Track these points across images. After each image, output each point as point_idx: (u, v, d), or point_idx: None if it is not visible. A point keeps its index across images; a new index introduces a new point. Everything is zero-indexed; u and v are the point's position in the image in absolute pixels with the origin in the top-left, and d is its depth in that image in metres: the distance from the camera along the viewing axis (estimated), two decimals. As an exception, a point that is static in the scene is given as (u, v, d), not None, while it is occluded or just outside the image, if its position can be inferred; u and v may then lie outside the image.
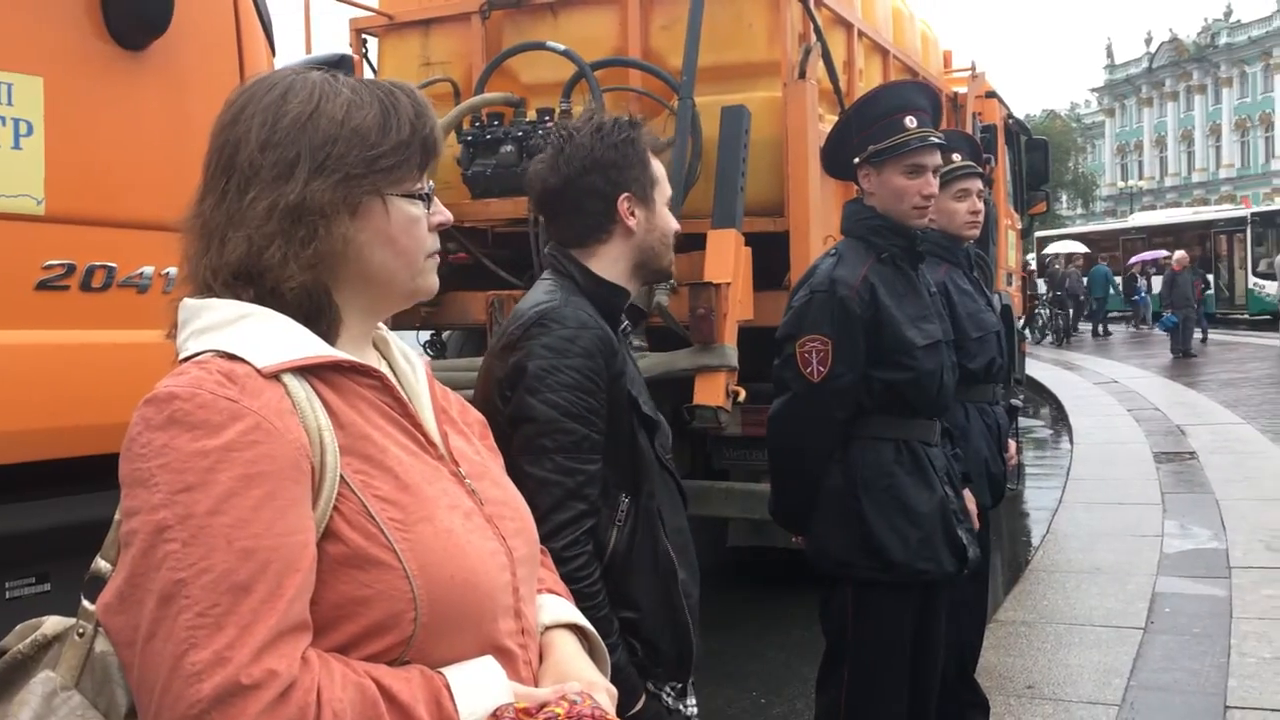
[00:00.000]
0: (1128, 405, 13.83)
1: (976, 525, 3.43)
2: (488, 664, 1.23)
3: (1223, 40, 63.90)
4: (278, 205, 1.22)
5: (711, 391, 4.89)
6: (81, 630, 1.18)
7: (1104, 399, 14.73)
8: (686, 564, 2.08)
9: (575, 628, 1.44)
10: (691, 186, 5.22)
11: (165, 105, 2.60)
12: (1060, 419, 13.97)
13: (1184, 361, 19.45)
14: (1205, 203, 53.90)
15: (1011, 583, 6.48)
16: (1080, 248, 33.15)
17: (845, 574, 3.00)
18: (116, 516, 1.18)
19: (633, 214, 2.09)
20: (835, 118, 5.61)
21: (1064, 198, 60.08)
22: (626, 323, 2.15)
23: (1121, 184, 68.77)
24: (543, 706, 1.20)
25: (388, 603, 1.16)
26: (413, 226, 1.30)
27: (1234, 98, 63.79)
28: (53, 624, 1.22)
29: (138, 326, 2.52)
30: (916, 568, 2.95)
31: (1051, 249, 33.40)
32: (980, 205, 3.94)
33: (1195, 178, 65.88)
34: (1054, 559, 6.91)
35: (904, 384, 2.97)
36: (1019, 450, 7.43)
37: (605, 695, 1.32)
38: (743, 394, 5.02)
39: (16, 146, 2.34)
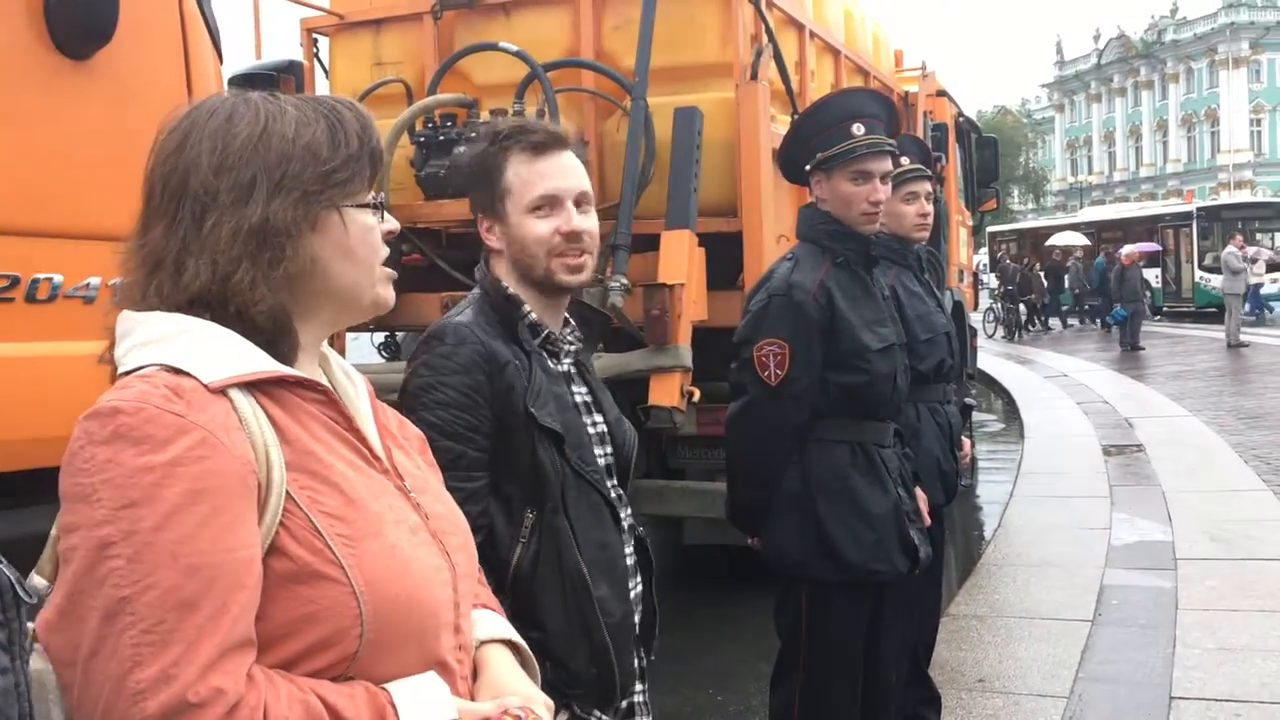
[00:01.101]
0: (1077, 399, 14.04)
1: (928, 523, 3.49)
2: (431, 680, 1.24)
3: (1169, 37, 64.94)
4: (241, 228, 1.21)
5: (666, 392, 4.91)
6: None
7: (1054, 393, 14.94)
8: (609, 580, 2.00)
9: (508, 643, 1.45)
10: (645, 188, 5.24)
11: (110, 115, 2.58)
12: (1011, 413, 14.16)
13: (1132, 355, 19.77)
14: (1153, 197, 54.75)
15: (964, 577, 6.57)
16: (1081, 239, 32.74)
17: (801, 575, 3.05)
18: (53, 532, 1.17)
19: (491, 232, 2.08)
20: (788, 118, 5.67)
21: (1015, 192, 60.79)
22: (549, 330, 2.09)
23: (1071, 179, 69.76)
24: None
25: (334, 619, 1.16)
26: (368, 235, 1.31)
27: (1180, 94, 64.86)
28: None
29: (86, 338, 2.50)
30: (871, 568, 2.99)
31: (1054, 239, 32.97)
32: (929, 208, 3.99)
33: (1143, 173, 66.94)
34: (1005, 553, 7.01)
35: (859, 387, 3.01)
36: (973, 447, 7.54)
37: (543, 708, 1.33)
38: (697, 394, 5.04)
39: (-42, 157, 2.31)
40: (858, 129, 3.01)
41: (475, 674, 1.37)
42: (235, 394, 1.18)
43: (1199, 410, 12.26)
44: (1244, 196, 46.22)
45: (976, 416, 13.48)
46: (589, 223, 2.07)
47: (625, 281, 4.94)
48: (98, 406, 1.12)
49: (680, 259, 5.01)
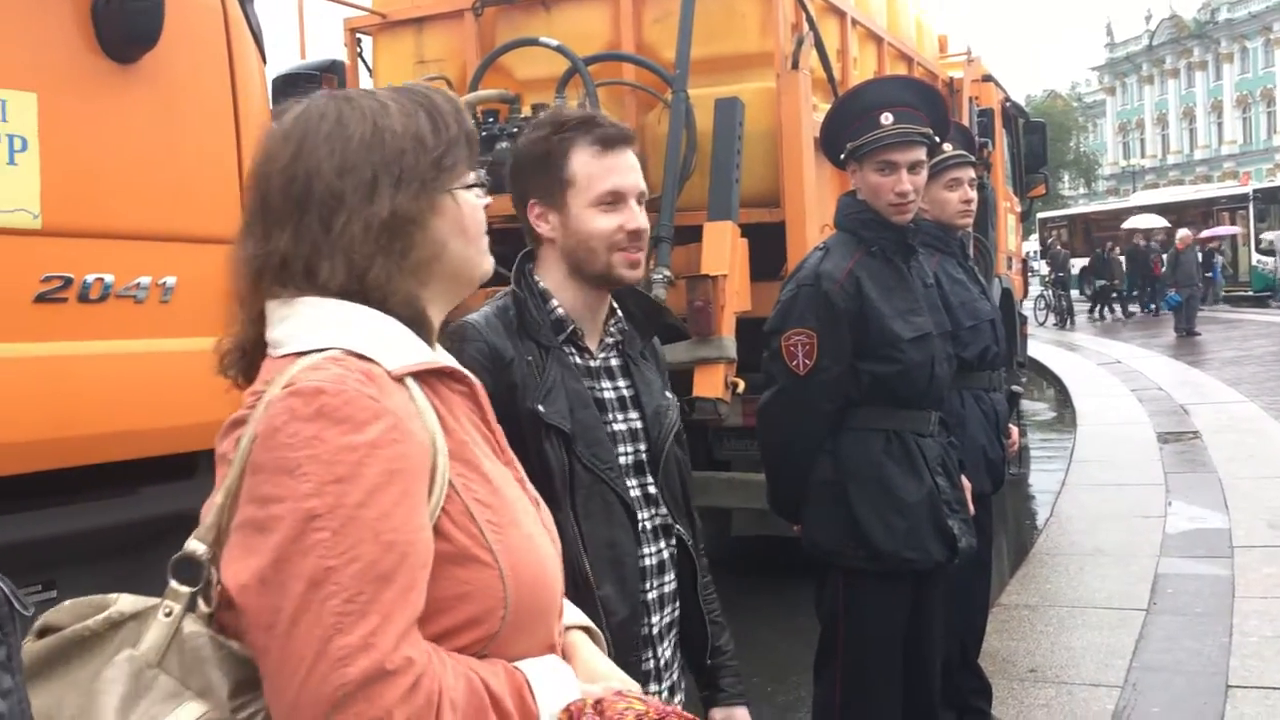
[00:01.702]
0: (1131, 386, 13.84)
1: (971, 512, 3.46)
2: (556, 662, 1.31)
3: (1223, 16, 63.60)
4: (372, 225, 1.26)
5: (711, 383, 4.91)
6: (169, 610, 1.19)
7: (1108, 380, 14.74)
8: (615, 579, 1.98)
9: (585, 629, 1.49)
10: (687, 179, 5.23)
11: (158, 117, 2.63)
12: (1064, 401, 13.98)
13: (1188, 340, 19.44)
14: (1208, 180, 53.74)
15: (1015, 566, 6.50)
16: (1161, 221, 30.96)
17: (835, 563, 3.05)
18: (217, 500, 1.20)
19: (545, 220, 2.05)
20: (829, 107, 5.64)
21: (1066, 177, 59.89)
22: (573, 328, 2.05)
23: (1124, 163, 68.56)
24: (600, 702, 1.25)
25: (483, 600, 1.22)
26: (477, 213, 1.37)
27: (1235, 73, 63.51)
28: (128, 602, 1.23)
29: (136, 336, 2.55)
30: (903, 557, 2.98)
31: (1131, 223, 31.33)
32: (972, 194, 3.95)
33: (1198, 155, 65.66)
34: (1057, 542, 6.93)
35: (891, 376, 3.00)
36: (1022, 435, 7.46)
37: (638, 689, 1.37)
38: (742, 385, 5.03)
39: (12, 162, 2.37)
40: (886, 118, 2.98)
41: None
42: (410, 382, 1.24)
43: (1256, 396, 12.03)
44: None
45: (1027, 405, 13.34)
46: (646, 221, 2.08)
47: (668, 274, 4.95)
48: (300, 385, 1.16)
49: (723, 250, 5.01)
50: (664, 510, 2.11)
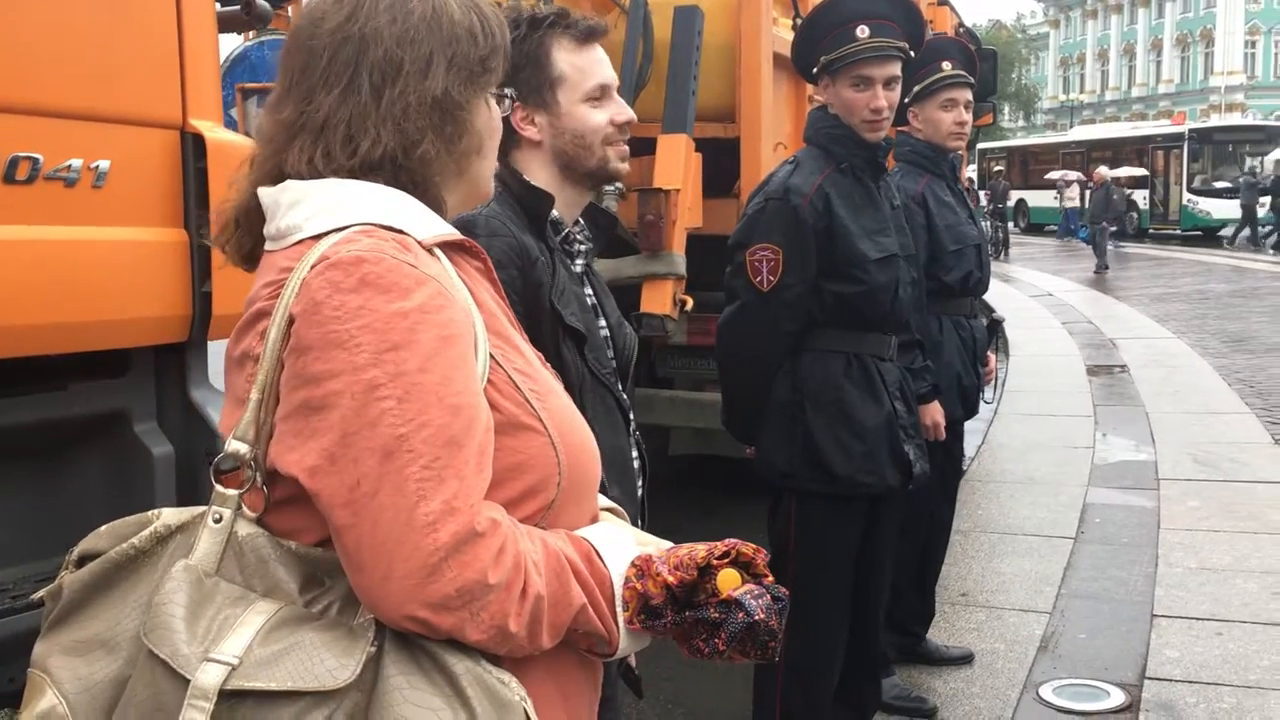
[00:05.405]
0: (1061, 318, 14.05)
1: (942, 437, 3.46)
2: (610, 527, 1.32)
3: (1169, -48, 63.80)
4: (425, 100, 1.24)
5: (659, 299, 4.84)
6: (218, 516, 1.16)
7: (1039, 312, 14.95)
8: (621, 483, 1.99)
9: (609, 510, 1.49)
10: (642, 89, 5.09)
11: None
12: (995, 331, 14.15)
13: (1116, 274, 19.74)
14: (1144, 118, 54.19)
15: (947, 492, 6.58)
16: None
17: (790, 485, 3.01)
18: (252, 396, 1.15)
19: (531, 122, 1.99)
20: (790, 22, 5.51)
21: (1006, 109, 60.16)
22: (568, 230, 2.05)
23: (1063, 97, 69.00)
24: (650, 561, 1.24)
25: (539, 468, 1.21)
26: (499, 131, 1.37)
27: (1176, 12, 63.86)
28: (171, 515, 1.20)
29: (66, 223, 2.39)
30: (859, 481, 2.95)
31: (1275, 155, 28.46)
32: (967, 117, 3.85)
33: (1135, 92, 66.21)
34: (989, 469, 7.03)
35: (855, 297, 2.94)
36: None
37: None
38: (690, 303, 4.98)
39: (-71, 27, 2.18)
40: (862, 31, 2.90)
41: None
42: (439, 253, 1.22)
43: (1183, 332, 12.30)
44: (1236, 119, 45.80)
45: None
46: (632, 112, 2.07)
47: (620, 185, 4.83)
48: (337, 256, 1.13)
49: (676, 164, 4.90)
50: (633, 418, 2.12)
